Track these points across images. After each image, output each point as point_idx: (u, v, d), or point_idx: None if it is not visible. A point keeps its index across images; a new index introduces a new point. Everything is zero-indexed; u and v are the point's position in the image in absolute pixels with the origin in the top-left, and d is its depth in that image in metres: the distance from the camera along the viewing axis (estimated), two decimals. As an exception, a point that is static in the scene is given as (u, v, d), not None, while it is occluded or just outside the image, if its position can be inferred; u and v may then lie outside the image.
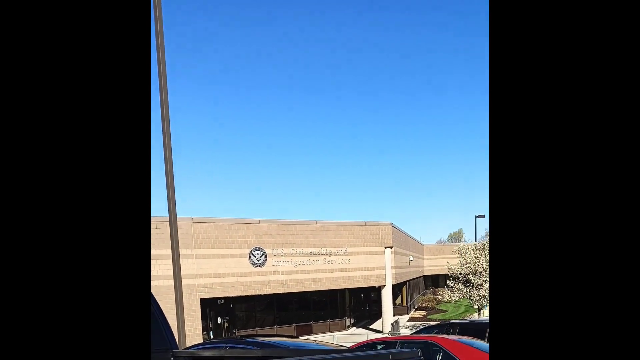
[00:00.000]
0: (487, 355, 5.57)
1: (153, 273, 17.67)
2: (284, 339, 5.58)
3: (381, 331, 22.99)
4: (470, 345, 5.98)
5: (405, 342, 6.76)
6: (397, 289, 33.14)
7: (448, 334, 8.01)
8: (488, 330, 7.20)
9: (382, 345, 7.34)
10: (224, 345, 4.57)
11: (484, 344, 6.16)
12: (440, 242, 63.37)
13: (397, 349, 2.97)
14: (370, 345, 7.37)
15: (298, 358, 2.93)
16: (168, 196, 7.70)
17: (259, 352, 3.59)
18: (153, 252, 17.73)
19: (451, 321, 9.46)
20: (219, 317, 21.16)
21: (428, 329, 9.47)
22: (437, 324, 9.77)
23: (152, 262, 16.82)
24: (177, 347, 3.10)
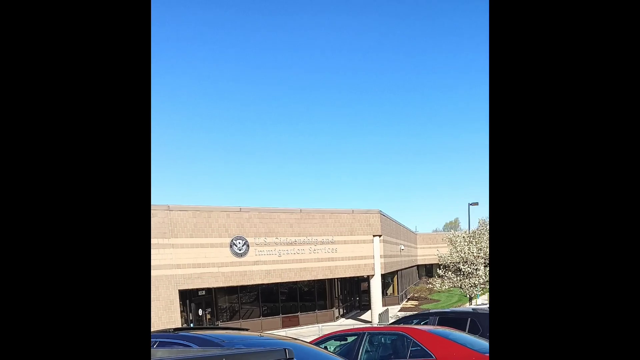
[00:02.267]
0: (461, 346, 5.20)
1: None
2: (231, 332, 4.83)
3: (370, 322, 22.31)
4: (444, 336, 5.52)
5: (374, 333, 6.29)
6: (388, 279, 32.51)
7: (426, 324, 7.53)
8: (469, 319, 6.87)
9: (339, 344, 6.86)
10: (153, 341, 3.83)
11: (461, 335, 5.79)
12: (436, 231, 62.73)
13: (266, 349, 2.47)
14: (337, 337, 6.94)
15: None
16: None
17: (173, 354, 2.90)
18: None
19: (431, 310, 9.18)
20: (200, 309, 20.39)
21: (407, 319, 8.98)
22: (416, 314, 9.40)
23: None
24: None
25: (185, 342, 3.41)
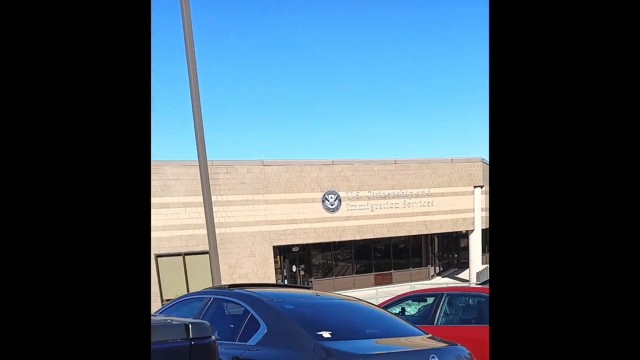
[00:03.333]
0: None
1: (223, 220, 17.05)
2: (290, 290, 4.45)
3: (468, 281, 20.94)
4: None
5: (454, 294, 5.43)
6: (489, 235, 30.64)
7: None
8: None
9: (417, 305, 6.04)
10: (207, 297, 3.62)
11: None
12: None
13: (165, 323, 1.99)
14: (415, 297, 6.18)
15: None
16: (196, 135, 6.40)
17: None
18: (224, 197, 17.08)
19: None
20: (294, 266, 20.23)
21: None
22: None
23: (224, 207, 15.93)
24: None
25: (235, 300, 3.29)
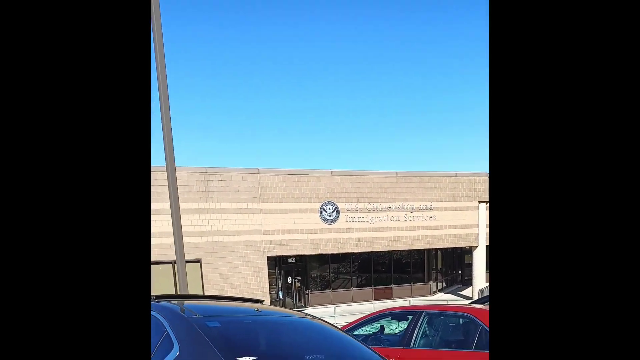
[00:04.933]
0: None
1: (216, 228, 16.64)
2: (233, 303, 3.73)
3: (471, 298, 20.17)
4: None
5: (434, 314, 4.78)
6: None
7: None
8: None
9: (396, 324, 5.55)
10: None
11: None
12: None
13: None
14: (395, 315, 5.52)
15: None
16: (164, 140, 6.26)
17: None
18: (217, 205, 16.69)
19: None
20: (289, 277, 19.70)
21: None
22: None
23: (217, 216, 15.57)
24: None
25: (155, 313, 2.80)
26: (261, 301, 3.64)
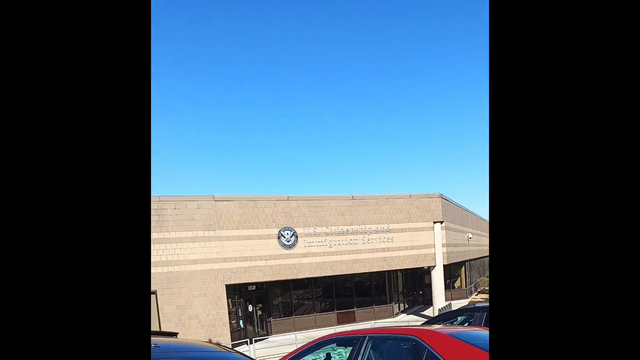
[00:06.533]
0: (486, 354, 3.39)
1: (172, 258, 16.33)
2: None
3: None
4: (470, 341, 3.71)
5: (378, 337, 4.50)
6: (454, 270, 30.15)
7: (470, 322, 5.72)
8: None
9: (342, 351, 5.23)
10: None
11: None
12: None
13: None
14: (341, 341, 5.27)
15: None
16: None
17: None
18: (172, 234, 16.41)
19: (477, 305, 6.76)
20: (250, 305, 19.41)
21: (447, 315, 6.94)
22: (460, 309, 7.22)
23: (172, 245, 15.13)
24: None
25: None
26: (175, 334, 3.54)
